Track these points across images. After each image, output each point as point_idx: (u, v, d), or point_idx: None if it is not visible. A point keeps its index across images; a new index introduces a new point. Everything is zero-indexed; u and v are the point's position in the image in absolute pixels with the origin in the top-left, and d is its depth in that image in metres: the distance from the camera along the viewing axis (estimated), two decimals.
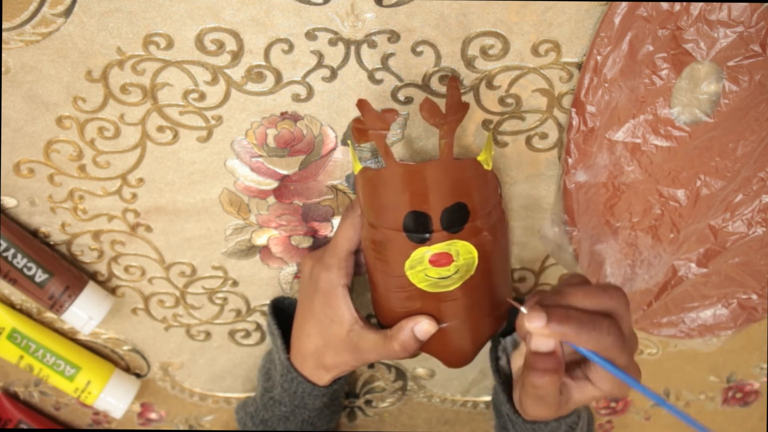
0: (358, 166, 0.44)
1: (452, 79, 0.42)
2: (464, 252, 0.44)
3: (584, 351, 0.41)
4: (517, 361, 0.50)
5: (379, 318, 0.50)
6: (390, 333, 0.47)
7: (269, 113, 0.48)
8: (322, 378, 0.52)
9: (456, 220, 0.43)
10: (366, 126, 0.42)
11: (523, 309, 0.41)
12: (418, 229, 0.43)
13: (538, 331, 0.40)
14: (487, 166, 0.44)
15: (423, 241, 0.44)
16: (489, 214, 0.45)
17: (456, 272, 0.45)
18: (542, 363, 0.40)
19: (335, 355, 0.50)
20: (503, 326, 0.50)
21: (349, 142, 0.49)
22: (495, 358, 0.54)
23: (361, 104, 0.42)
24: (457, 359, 0.50)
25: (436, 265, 0.44)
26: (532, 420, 0.48)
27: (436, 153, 0.51)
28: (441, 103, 0.48)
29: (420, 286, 0.45)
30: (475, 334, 0.48)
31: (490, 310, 0.48)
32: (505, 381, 0.51)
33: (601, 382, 0.43)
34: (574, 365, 0.44)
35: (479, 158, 0.43)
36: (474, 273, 0.45)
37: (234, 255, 0.56)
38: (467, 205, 0.43)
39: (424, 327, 0.47)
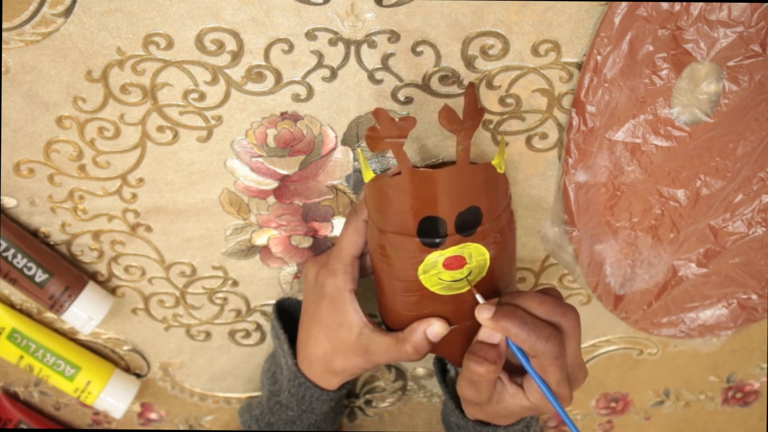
0: (370, 174, 0.44)
1: (470, 86, 0.42)
2: (477, 254, 0.45)
3: (518, 354, 0.43)
4: None
5: (386, 321, 0.50)
6: (402, 335, 0.48)
7: (269, 113, 0.48)
8: (331, 382, 0.52)
9: (469, 224, 0.44)
10: (382, 134, 0.41)
11: (480, 299, 0.44)
12: (433, 233, 0.43)
13: (485, 322, 0.43)
14: (500, 170, 0.44)
15: (437, 246, 0.44)
16: (500, 216, 0.45)
17: (469, 274, 0.45)
18: (483, 351, 0.44)
19: (345, 359, 0.50)
20: None
21: (359, 151, 0.49)
22: (442, 370, 0.55)
23: (378, 113, 0.41)
24: None
25: (450, 269, 0.45)
26: (475, 419, 0.50)
27: (436, 151, 0.51)
28: (440, 102, 0.48)
29: (433, 289, 0.46)
30: None
31: None
32: (453, 392, 0.53)
33: (531, 392, 0.45)
34: (517, 372, 0.46)
35: (493, 162, 0.43)
36: (485, 274, 0.46)
37: (234, 255, 0.56)
38: (480, 208, 0.43)
39: (436, 329, 0.47)
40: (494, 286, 0.47)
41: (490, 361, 0.43)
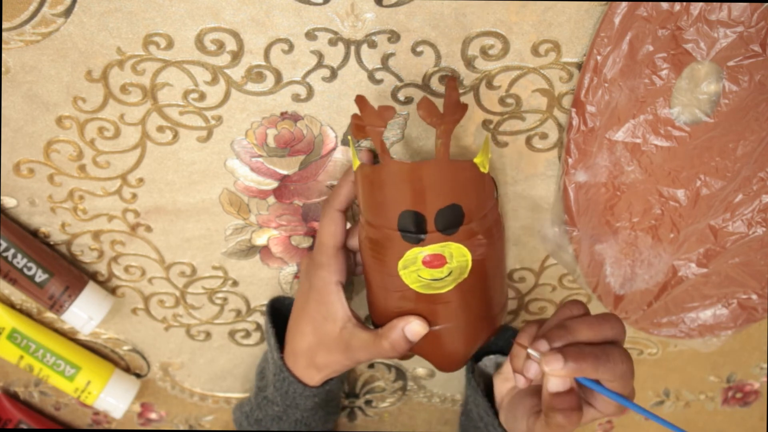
0: (357, 163, 0.45)
1: (450, 79, 0.42)
2: (458, 255, 0.44)
3: (595, 387, 0.42)
4: (501, 387, 0.51)
5: (373, 317, 0.50)
6: (381, 332, 0.47)
7: (269, 113, 0.49)
8: (313, 378, 0.52)
9: (450, 222, 0.43)
10: (364, 122, 0.42)
11: (535, 354, 0.41)
12: (413, 229, 0.43)
13: (559, 373, 0.40)
14: (484, 169, 0.44)
15: (417, 242, 0.44)
16: (484, 217, 0.45)
17: (449, 274, 0.45)
18: (565, 403, 0.41)
19: (327, 353, 0.50)
20: (497, 331, 0.49)
21: (349, 138, 0.49)
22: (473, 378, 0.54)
23: (360, 100, 0.42)
24: (449, 363, 0.49)
25: (429, 267, 0.44)
26: None
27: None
28: (440, 103, 0.48)
29: (412, 286, 0.45)
30: (468, 338, 0.48)
31: (484, 314, 0.47)
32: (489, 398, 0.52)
33: (603, 405, 0.44)
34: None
35: (475, 160, 0.43)
36: (468, 276, 0.45)
37: (234, 255, 0.56)
38: (462, 207, 0.43)
39: (414, 328, 0.46)
40: (479, 289, 0.46)
41: (576, 408, 0.41)
